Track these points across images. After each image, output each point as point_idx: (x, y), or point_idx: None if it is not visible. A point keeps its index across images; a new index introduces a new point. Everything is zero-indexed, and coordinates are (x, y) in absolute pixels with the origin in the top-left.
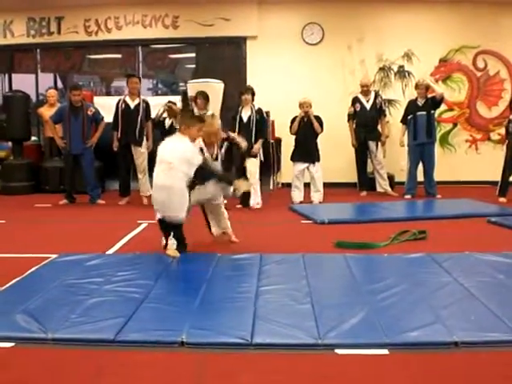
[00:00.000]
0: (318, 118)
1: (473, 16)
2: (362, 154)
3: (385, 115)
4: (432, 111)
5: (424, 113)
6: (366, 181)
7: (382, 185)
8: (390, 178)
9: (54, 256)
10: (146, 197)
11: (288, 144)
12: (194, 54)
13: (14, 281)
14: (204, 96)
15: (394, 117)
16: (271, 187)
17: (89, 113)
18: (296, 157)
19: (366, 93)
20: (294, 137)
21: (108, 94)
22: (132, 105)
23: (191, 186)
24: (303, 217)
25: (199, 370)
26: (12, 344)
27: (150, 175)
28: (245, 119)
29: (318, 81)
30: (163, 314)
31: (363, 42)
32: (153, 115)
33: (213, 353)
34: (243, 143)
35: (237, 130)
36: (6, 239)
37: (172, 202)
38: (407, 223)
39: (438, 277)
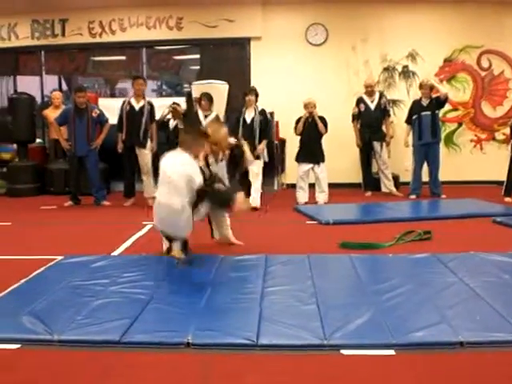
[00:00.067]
0: (322, 119)
1: (477, 16)
2: (367, 155)
3: (389, 115)
4: (436, 111)
5: (428, 113)
6: (371, 181)
7: (387, 185)
8: (395, 178)
9: (59, 258)
10: (151, 198)
11: (292, 145)
12: (198, 56)
13: (19, 283)
14: (208, 97)
15: (398, 117)
16: (276, 188)
17: (93, 115)
18: (300, 157)
19: (370, 93)
20: (298, 137)
21: (112, 95)
22: (137, 106)
23: (194, 204)
24: (308, 217)
25: (205, 371)
26: (18, 346)
27: (154, 177)
28: (248, 120)
29: (323, 81)
30: (169, 315)
31: (367, 43)
32: (157, 117)
33: (218, 354)
34: (248, 151)
35: (240, 131)
36: (12, 241)
37: (172, 221)
38: (412, 223)
39: (444, 277)
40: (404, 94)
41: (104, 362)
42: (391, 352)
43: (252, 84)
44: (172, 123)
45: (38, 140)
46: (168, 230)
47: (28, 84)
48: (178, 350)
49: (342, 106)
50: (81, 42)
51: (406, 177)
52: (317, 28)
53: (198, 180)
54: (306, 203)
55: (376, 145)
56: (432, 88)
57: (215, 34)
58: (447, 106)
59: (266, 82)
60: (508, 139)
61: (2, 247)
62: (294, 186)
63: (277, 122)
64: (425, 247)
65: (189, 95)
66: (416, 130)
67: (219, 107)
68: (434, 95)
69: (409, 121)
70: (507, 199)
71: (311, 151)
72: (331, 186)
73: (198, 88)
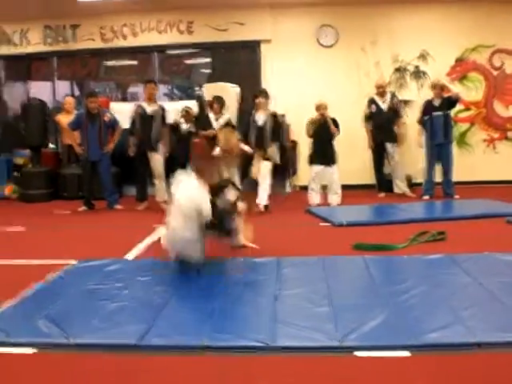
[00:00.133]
0: (334, 121)
1: (487, 15)
2: (379, 156)
3: (401, 116)
4: (448, 111)
5: (440, 113)
6: (384, 182)
7: (400, 186)
8: (408, 179)
9: (73, 262)
10: (163, 202)
11: (304, 147)
12: (209, 59)
13: (35, 287)
14: (220, 100)
15: (410, 117)
16: (288, 190)
17: (105, 119)
18: (313, 159)
19: (381, 94)
20: (310, 139)
21: (124, 99)
22: (149, 110)
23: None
24: (321, 219)
25: (220, 374)
26: (34, 350)
27: (166, 181)
28: (259, 123)
29: (334, 83)
30: (184, 319)
31: (378, 44)
32: (169, 120)
33: (233, 356)
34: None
35: (251, 133)
36: (27, 246)
37: (188, 250)
38: (426, 224)
39: (458, 278)
40: (415, 95)
41: (120, 366)
42: (406, 353)
43: (263, 87)
44: (184, 127)
45: (50, 145)
46: (185, 258)
47: (40, 89)
48: (194, 353)
49: (354, 107)
50: (92, 47)
51: (419, 177)
52: (327, 30)
53: (206, 210)
54: (318, 205)
55: (388, 146)
56: (443, 88)
57: (226, 38)
58: (459, 106)
59: (277, 85)
60: None
61: (17, 252)
62: (306, 187)
63: (288, 125)
64: (439, 248)
65: (200, 98)
66: (428, 131)
67: (231, 110)
68: (445, 95)
69: (421, 121)
70: None
71: (323, 153)
72: (344, 187)
73: (209, 91)
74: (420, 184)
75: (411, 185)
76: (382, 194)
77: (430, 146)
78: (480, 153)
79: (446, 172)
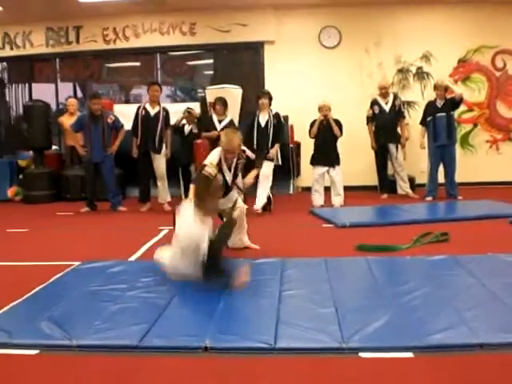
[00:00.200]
0: (337, 122)
1: (490, 16)
2: (382, 157)
3: (404, 117)
4: (451, 112)
5: (443, 114)
6: (387, 183)
7: (403, 187)
8: (411, 180)
9: (76, 263)
10: (166, 203)
11: (307, 148)
12: (211, 60)
13: (37, 288)
14: (222, 102)
15: (413, 118)
16: (291, 191)
17: (108, 121)
18: (316, 160)
19: (384, 95)
20: (313, 141)
21: (127, 101)
22: (152, 112)
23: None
24: (324, 220)
25: (223, 375)
26: (37, 351)
27: (169, 182)
28: (262, 124)
29: (336, 84)
30: (186, 320)
31: (381, 45)
32: (172, 122)
33: (236, 357)
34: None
35: (255, 135)
36: (29, 247)
37: (194, 278)
38: (429, 225)
39: (461, 279)
40: (418, 96)
41: (122, 367)
42: (410, 355)
43: (266, 88)
44: (187, 128)
45: (53, 147)
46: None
47: (43, 91)
48: (196, 355)
49: (356, 108)
50: (95, 48)
51: (422, 179)
52: (330, 31)
53: (203, 248)
54: (321, 206)
55: (391, 147)
56: (447, 89)
57: (228, 39)
58: (462, 107)
59: (280, 86)
60: None
61: (20, 253)
62: (309, 189)
63: (291, 126)
64: (442, 249)
65: (203, 100)
66: (431, 132)
67: (233, 112)
68: (448, 96)
69: (424, 122)
70: None
71: (326, 154)
72: (347, 188)
73: (212, 93)
74: (423, 185)
75: (414, 186)
76: (385, 195)
77: (432, 147)
78: (483, 154)
79: (450, 173)
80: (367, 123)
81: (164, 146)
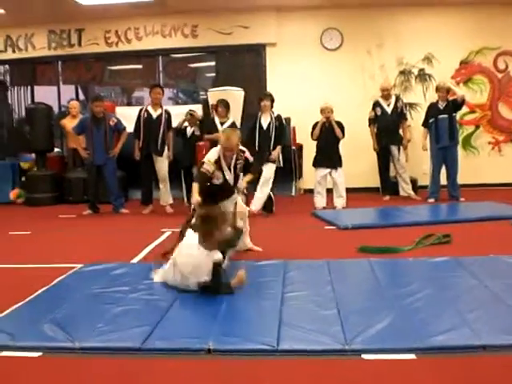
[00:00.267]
0: (339, 124)
1: (492, 17)
2: (384, 159)
3: (406, 119)
4: (453, 114)
5: (446, 116)
6: (389, 185)
7: (405, 189)
8: (413, 181)
9: (79, 266)
10: (168, 205)
11: (309, 150)
12: (213, 63)
13: (40, 291)
14: (225, 104)
15: (415, 120)
16: (293, 193)
17: (111, 123)
18: (318, 162)
19: (386, 97)
20: (315, 143)
21: (129, 104)
22: (154, 115)
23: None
24: (326, 222)
25: (226, 377)
26: (40, 353)
27: (171, 184)
28: (264, 126)
29: (338, 86)
30: (189, 322)
31: (383, 47)
32: (174, 124)
33: (239, 359)
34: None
35: (257, 137)
36: (32, 250)
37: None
38: (431, 227)
39: (464, 280)
40: (420, 97)
41: (125, 369)
42: (412, 356)
43: (268, 90)
44: (189, 130)
45: (56, 149)
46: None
47: (45, 94)
48: (199, 357)
49: (358, 110)
50: (97, 51)
51: (424, 180)
52: (332, 33)
53: (204, 278)
54: (323, 208)
55: (393, 149)
56: (449, 91)
57: (230, 41)
58: (464, 109)
59: (282, 88)
60: None
61: (22, 256)
62: (311, 191)
63: (293, 128)
64: (444, 251)
65: (205, 102)
66: (433, 134)
67: (235, 114)
68: (450, 98)
69: (426, 124)
70: None
71: (328, 156)
72: (349, 190)
73: (214, 95)
74: (425, 187)
75: (416, 187)
76: (387, 197)
77: (435, 148)
78: (485, 155)
79: (452, 175)
80: (369, 125)
81: (166, 148)
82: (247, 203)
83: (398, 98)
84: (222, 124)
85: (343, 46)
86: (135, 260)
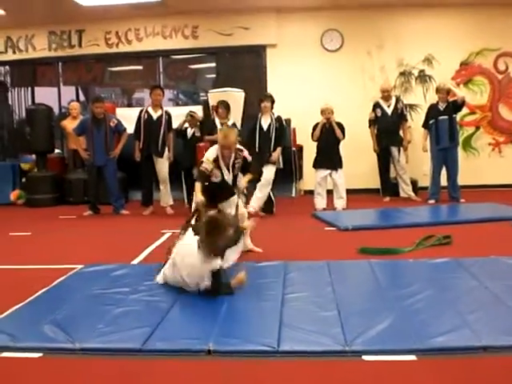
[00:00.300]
0: (339, 125)
1: (493, 19)
2: (385, 160)
3: (406, 120)
4: (454, 115)
5: (446, 117)
6: (389, 186)
7: (406, 190)
8: (414, 183)
9: (79, 267)
10: (168, 206)
11: (310, 151)
12: (214, 64)
13: (40, 292)
14: (225, 105)
15: (415, 121)
16: (293, 194)
17: (111, 124)
18: (318, 163)
19: (386, 98)
20: (315, 144)
21: (130, 105)
22: (155, 116)
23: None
24: (326, 224)
25: (226, 378)
26: (40, 354)
27: (171, 185)
28: (264, 127)
29: (339, 87)
30: (189, 323)
31: (383, 48)
32: (174, 126)
33: (239, 361)
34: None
35: (257, 138)
36: (32, 251)
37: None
38: (431, 228)
39: (464, 281)
40: (421, 99)
41: (125, 370)
42: (413, 357)
43: (268, 91)
44: (189, 131)
45: (56, 150)
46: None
47: (46, 95)
48: (199, 358)
49: (359, 111)
50: (97, 52)
51: (425, 181)
52: (332, 34)
53: (204, 284)
54: (324, 209)
55: (393, 150)
56: (449, 92)
57: (231, 42)
58: (464, 110)
59: (282, 89)
60: None
61: (22, 257)
62: (311, 192)
63: (294, 129)
64: (445, 252)
65: (206, 103)
66: (433, 135)
67: (236, 115)
68: (450, 99)
69: (426, 125)
70: None
71: (329, 157)
72: (349, 191)
73: (214, 96)
74: (425, 188)
75: (416, 189)
76: (387, 198)
77: (435, 149)
78: (485, 156)
79: (452, 176)
80: (369, 126)
81: (166, 149)
82: (247, 203)
83: (398, 100)
84: (222, 125)
85: (343, 48)
86: (135, 261)
